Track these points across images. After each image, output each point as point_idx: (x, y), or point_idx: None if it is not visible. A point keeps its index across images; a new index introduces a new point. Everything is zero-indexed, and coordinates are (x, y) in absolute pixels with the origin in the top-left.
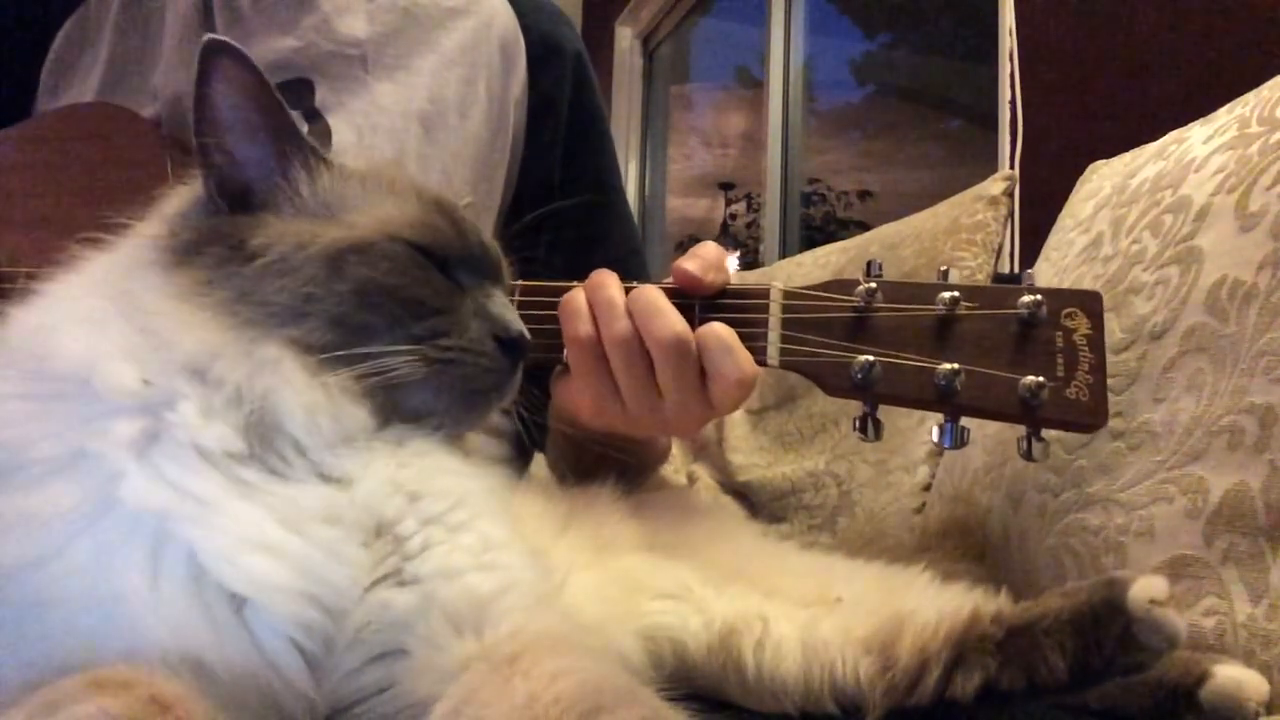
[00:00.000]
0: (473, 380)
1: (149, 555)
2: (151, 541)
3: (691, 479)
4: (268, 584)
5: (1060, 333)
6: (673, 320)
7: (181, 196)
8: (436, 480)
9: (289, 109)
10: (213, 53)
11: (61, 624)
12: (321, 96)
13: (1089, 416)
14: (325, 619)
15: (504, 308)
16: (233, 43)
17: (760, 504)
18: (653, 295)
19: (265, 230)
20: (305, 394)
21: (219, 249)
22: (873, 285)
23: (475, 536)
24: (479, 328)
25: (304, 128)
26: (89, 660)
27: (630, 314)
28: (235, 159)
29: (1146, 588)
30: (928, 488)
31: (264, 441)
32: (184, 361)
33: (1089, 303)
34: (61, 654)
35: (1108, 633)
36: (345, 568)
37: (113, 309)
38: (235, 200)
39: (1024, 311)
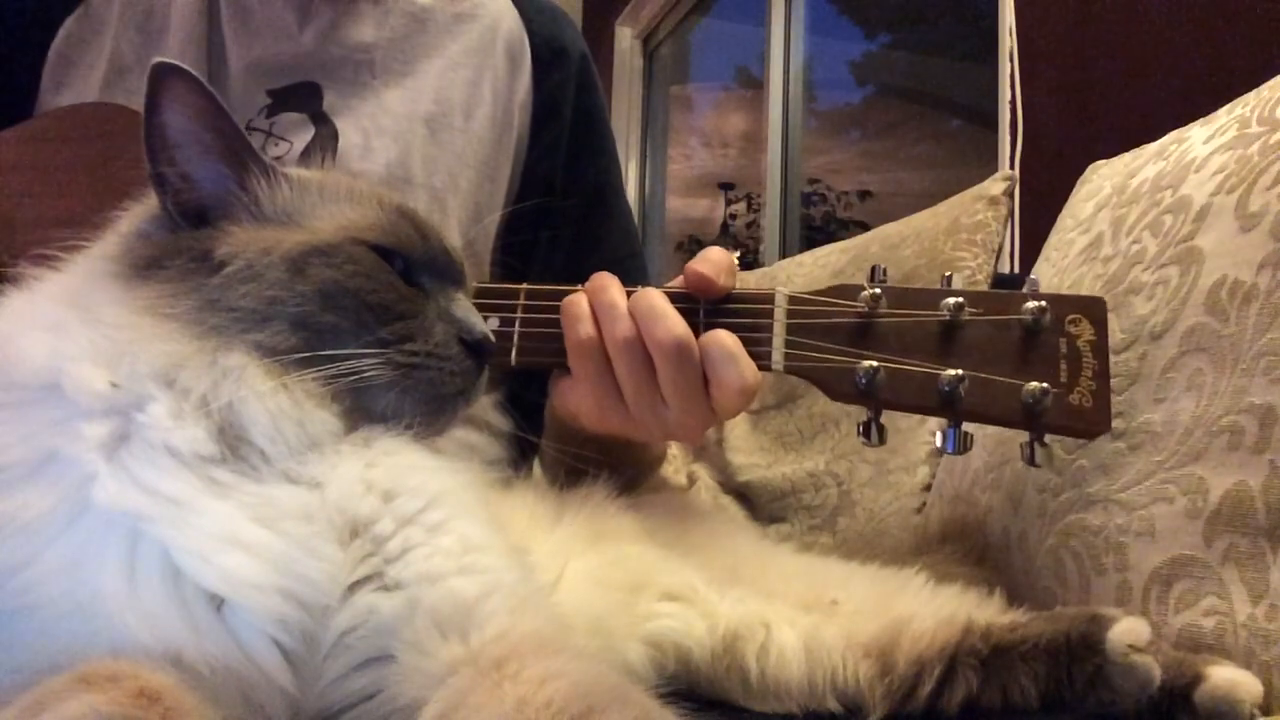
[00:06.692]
0: (440, 384)
1: (125, 556)
2: (126, 542)
3: (691, 479)
4: (244, 581)
5: (1064, 339)
6: (674, 324)
7: (135, 214)
8: (408, 478)
9: (239, 125)
10: (161, 76)
11: (44, 627)
12: (329, 101)
13: (1093, 423)
14: (304, 615)
15: (467, 310)
16: (181, 65)
17: (760, 504)
18: (655, 299)
19: (230, 239)
20: (269, 401)
21: (183, 262)
22: (877, 291)
23: (454, 538)
24: (444, 331)
25: (311, 131)
26: (74, 662)
27: (632, 316)
28: (191, 179)
29: (1127, 632)
30: (928, 488)
31: (233, 449)
32: (149, 371)
33: (1093, 309)
34: (46, 656)
35: (1081, 670)
36: (322, 563)
37: (74, 318)
38: (193, 216)
39: (1028, 318)
